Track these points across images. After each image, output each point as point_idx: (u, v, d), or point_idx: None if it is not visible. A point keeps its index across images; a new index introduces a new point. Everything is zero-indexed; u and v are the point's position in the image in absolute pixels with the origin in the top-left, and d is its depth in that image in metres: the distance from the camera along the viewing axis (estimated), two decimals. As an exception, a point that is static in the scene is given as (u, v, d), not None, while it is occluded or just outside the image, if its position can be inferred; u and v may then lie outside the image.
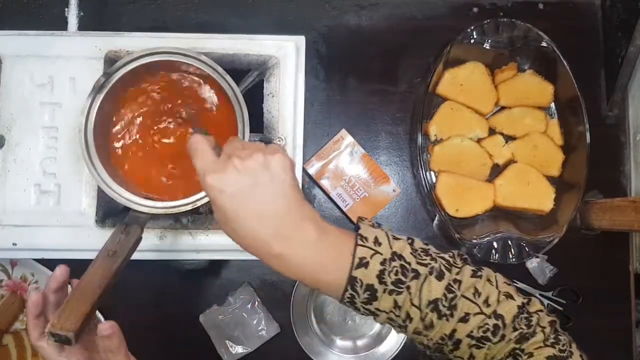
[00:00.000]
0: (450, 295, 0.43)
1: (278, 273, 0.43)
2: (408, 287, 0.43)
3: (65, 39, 0.67)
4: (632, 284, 0.85)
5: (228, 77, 0.61)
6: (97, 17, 0.83)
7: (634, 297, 0.85)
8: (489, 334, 0.43)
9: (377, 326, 0.84)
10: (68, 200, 0.65)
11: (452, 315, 0.43)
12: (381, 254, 0.43)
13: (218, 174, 0.42)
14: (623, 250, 0.86)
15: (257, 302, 0.82)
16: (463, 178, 0.81)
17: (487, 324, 0.43)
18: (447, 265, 0.44)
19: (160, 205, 0.59)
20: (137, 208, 0.59)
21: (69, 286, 0.51)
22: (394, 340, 0.82)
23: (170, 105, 0.65)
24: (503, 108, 0.84)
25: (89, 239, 0.64)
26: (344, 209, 0.83)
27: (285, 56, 0.68)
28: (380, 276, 0.42)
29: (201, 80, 0.65)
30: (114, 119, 0.64)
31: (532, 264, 0.84)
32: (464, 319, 0.43)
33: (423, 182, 0.79)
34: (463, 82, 0.83)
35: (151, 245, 0.65)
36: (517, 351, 0.43)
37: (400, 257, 0.43)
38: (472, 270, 0.45)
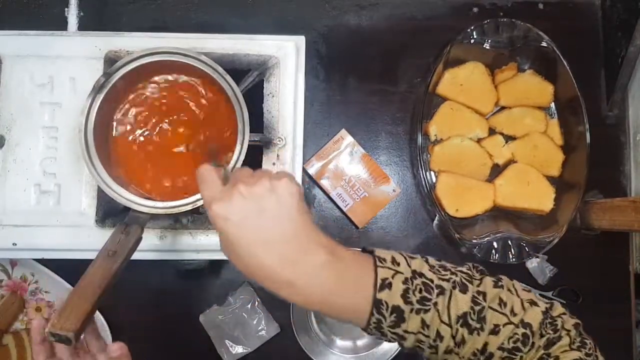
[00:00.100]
0: (477, 308, 0.42)
1: None
2: (435, 304, 0.41)
3: (65, 39, 0.67)
4: (632, 284, 0.85)
5: (228, 77, 0.61)
6: (97, 17, 0.83)
7: (634, 297, 0.85)
8: (519, 344, 0.42)
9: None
10: (68, 200, 0.65)
11: (482, 328, 0.42)
12: (402, 273, 0.42)
13: (224, 202, 0.41)
14: (623, 250, 0.86)
15: (257, 302, 0.82)
16: (463, 178, 0.81)
17: (516, 333, 0.42)
18: (467, 278, 0.44)
19: (160, 205, 0.59)
20: (137, 208, 0.59)
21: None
22: (394, 340, 0.82)
23: (170, 106, 0.65)
24: (503, 108, 0.84)
25: (89, 239, 0.64)
26: (344, 209, 0.82)
27: (285, 56, 0.68)
28: (404, 295, 0.41)
29: (201, 81, 0.65)
30: (114, 119, 0.64)
31: (532, 264, 0.84)
32: (494, 331, 0.42)
33: (423, 182, 0.79)
34: (463, 82, 0.83)
35: (151, 245, 0.65)
36: (544, 355, 0.42)
37: (421, 274, 0.42)
38: (493, 281, 0.44)
